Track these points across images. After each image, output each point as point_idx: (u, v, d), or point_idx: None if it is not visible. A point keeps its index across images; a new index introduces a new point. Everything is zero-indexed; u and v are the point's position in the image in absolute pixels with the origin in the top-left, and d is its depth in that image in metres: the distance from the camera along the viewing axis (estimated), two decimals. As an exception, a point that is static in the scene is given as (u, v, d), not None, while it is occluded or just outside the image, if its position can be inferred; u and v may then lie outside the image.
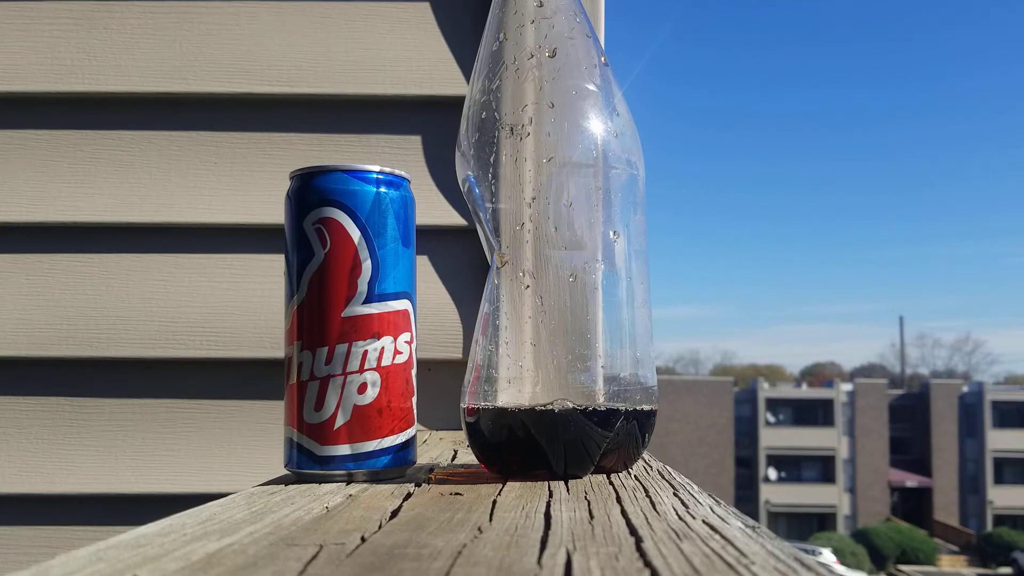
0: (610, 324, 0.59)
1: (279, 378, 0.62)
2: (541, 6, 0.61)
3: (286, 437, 0.59)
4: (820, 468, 29.56)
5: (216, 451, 1.08)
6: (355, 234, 0.58)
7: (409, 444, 0.60)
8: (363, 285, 0.58)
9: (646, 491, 0.51)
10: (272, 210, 1.08)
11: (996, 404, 29.57)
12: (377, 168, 0.60)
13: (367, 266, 0.58)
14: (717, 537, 0.36)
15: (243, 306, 1.08)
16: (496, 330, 0.60)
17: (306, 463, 0.58)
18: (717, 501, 0.48)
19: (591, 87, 0.60)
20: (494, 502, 0.47)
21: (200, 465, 1.07)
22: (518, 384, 0.58)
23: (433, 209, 1.08)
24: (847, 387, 31.16)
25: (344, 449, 0.57)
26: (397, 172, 0.61)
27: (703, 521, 0.40)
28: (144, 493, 1.07)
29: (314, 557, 0.33)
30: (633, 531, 0.38)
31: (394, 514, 0.43)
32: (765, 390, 31.18)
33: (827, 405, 29.94)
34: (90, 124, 1.10)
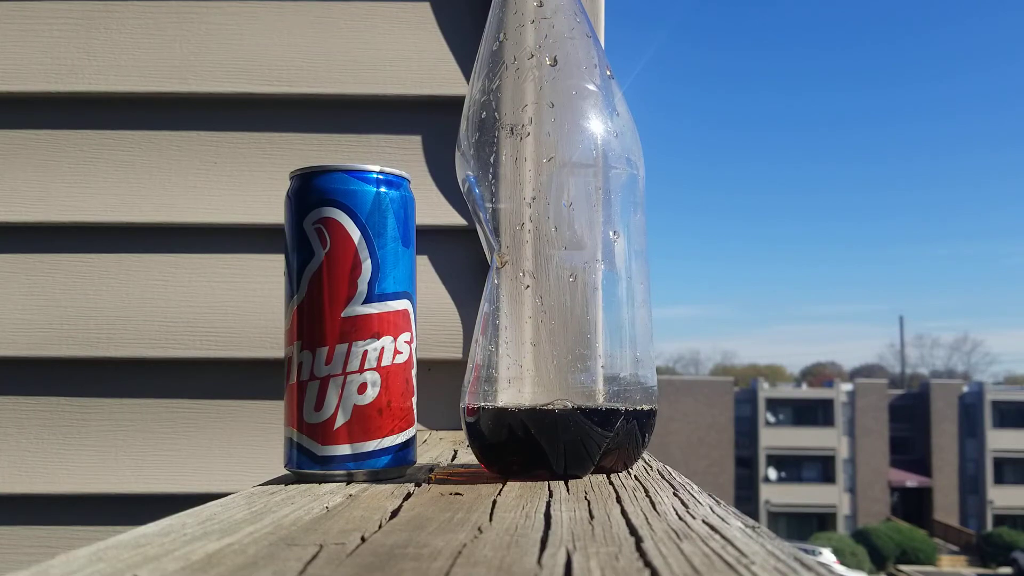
0: (610, 324, 0.59)
1: (279, 378, 0.62)
2: (541, 6, 0.61)
3: (286, 437, 0.59)
4: (820, 468, 29.56)
5: (216, 451, 1.08)
6: (355, 234, 0.58)
7: (409, 444, 0.60)
8: (363, 285, 0.58)
9: (646, 491, 0.51)
10: (272, 210, 1.08)
11: (996, 404, 29.56)
12: (377, 168, 0.60)
13: (367, 266, 0.58)
14: (717, 537, 0.36)
15: (243, 306, 1.08)
16: (496, 330, 0.60)
17: (306, 463, 0.58)
18: (717, 501, 0.48)
19: (591, 87, 0.60)
20: (494, 502, 0.47)
21: (200, 465, 1.07)
22: (518, 384, 0.58)
23: (433, 209, 1.08)
24: (847, 387, 31.16)
25: (344, 449, 0.57)
26: (397, 172, 0.61)
27: (703, 521, 0.40)
28: (144, 493, 1.07)
29: (314, 557, 0.33)
30: (633, 531, 0.38)
31: (394, 514, 0.43)
32: (765, 390, 31.19)
33: (827, 405, 29.94)
34: (90, 124, 1.10)
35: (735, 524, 0.40)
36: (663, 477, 0.58)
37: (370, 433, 0.57)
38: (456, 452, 0.78)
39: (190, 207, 1.08)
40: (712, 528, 0.38)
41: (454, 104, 1.08)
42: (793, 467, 29.82)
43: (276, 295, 1.07)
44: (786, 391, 32.74)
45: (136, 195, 1.08)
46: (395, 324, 0.59)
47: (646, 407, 0.59)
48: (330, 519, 0.42)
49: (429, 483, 0.55)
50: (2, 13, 1.10)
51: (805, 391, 32.43)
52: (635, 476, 0.59)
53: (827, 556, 19.67)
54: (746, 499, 29.34)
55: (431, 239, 1.07)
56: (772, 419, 30.31)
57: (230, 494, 0.51)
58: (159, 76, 1.09)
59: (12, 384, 1.08)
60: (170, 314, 1.08)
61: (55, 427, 1.08)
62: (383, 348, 0.58)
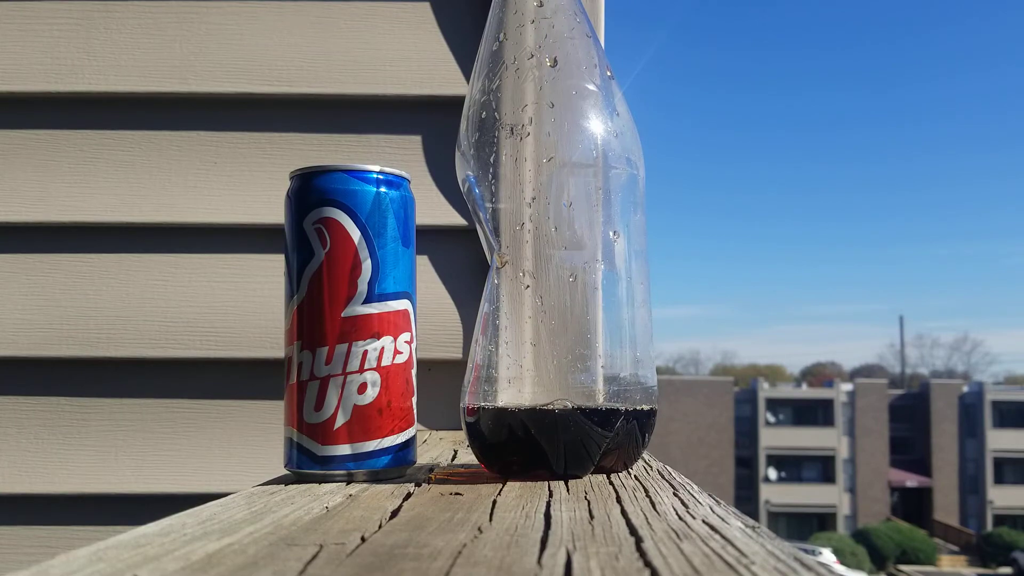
0: (610, 324, 0.59)
1: (279, 378, 0.62)
2: (541, 6, 0.61)
3: (286, 437, 0.59)
4: (820, 468, 29.56)
5: (216, 451, 1.08)
6: (355, 234, 0.58)
7: (409, 444, 0.60)
8: (363, 285, 0.58)
9: (646, 491, 0.51)
10: (272, 210, 1.08)
11: (996, 404, 29.56)
12: (377, 168, 0.60)
13: (367, 266, 0.58)
14: (717, 537, 0.36)
15: (243, 306, 1.08)
16: (496, 330, 0.60)
17: (306, 463, 0.58)
18: (717, 501, 0.48)
19: (591, 87, 0.60)
20: (494, 502, 0.47)
21: (200, 465, 1.07)
22: (518, 384, 0.58)
23: (433, 209, 1.08)
24: (847, 387, 31.16)
25: (344, 449, 0.57)
26: (397, 172, 0.61)
27: (703, 521, 0.40)
28: (144, 493, 1.07)
29: (314, 557, 0.33)
30: (633, 531, 0.38)
31: (394, 514, 0.43)
32: (765, 390, 31.18)
33: (827, 405, 29.94)
34: (90, 124, 1.10)
35: (735, 524, 0.40)
36: (663, 477, 0.58)
37: (370, 433, 0.57)
38: (456, 452, 0.78)
39: (190, 207, 1.08)
40: (712, 528, 0.38)
41: (454, 104, 1.08)
42: (793, 467, 29.82)
43: (276, 295, 1.07)
44: (786, 391, 32.74)
45: (136, 195, 1.08)
46: (395, 324, 0.59)
47: (646, 407, 0.59)
48: (330, 519, 0.42)
49: (429, 483, 0.55)
50: (2, 13, 1.10)
51: (805, 391, 32.43)
52: (635, 476, 0.59)
53: (827, 556, 19.66)
54: (746, 499, 29.34)
55: (431, 239, 1.07)
56: (772, 419, 30.31)
57: (230, 494, 0.51)
58: (159, 76, 1.09)
59: (12, 384, 1.08)
60: (170, 314, 1.08)
61: (55, 427, 1.08)
62: (383, 348, 0.58)
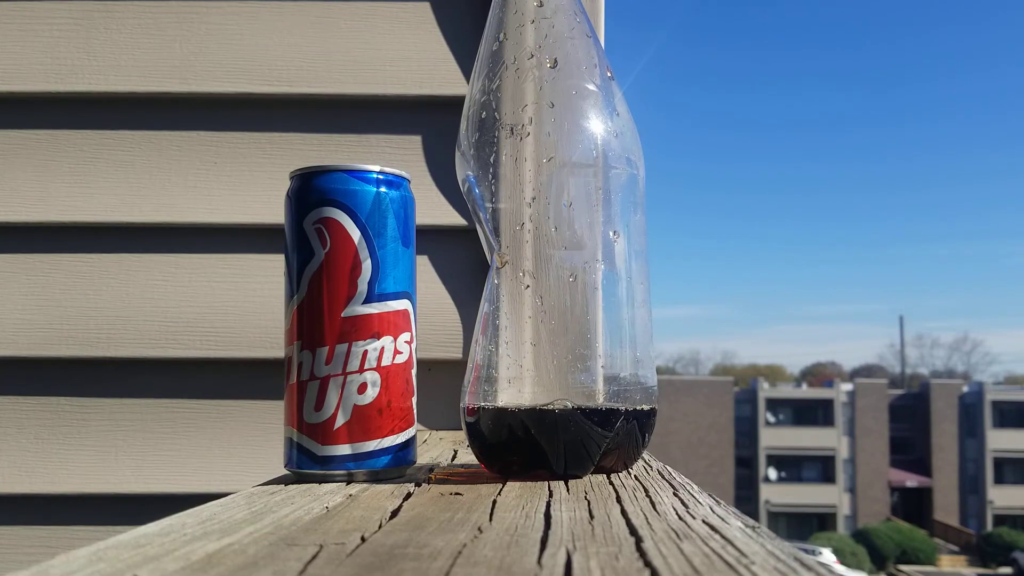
0: (610, 324, 0.59)
1: (279, 378, 0.62)
2: (541, 6, 0.61)
3: (286, 437, 0.59)
4: (820, 468, 29.56)
5: (216, 451, 1.08)
6: (355, 234, 0.58)
7: (409, 444, 0.60)
8: (363, 285, 0.58)
9: (646, 491, 0.51)
10: (272, 210, 1.08)
11: (996, 404, 29.56)
12: (377, 168, 0.60)
13: (367, 266, 0.58)
14: (717, 537, 0.36)
15: (243, 306, 1.08)
16: (496, 330, 0.60)
17: (306, 463, 0.58)
18: (717, 501, 0.48)
19: (591, 87, 0.60)
20: (494, 502, 0.47)
21: (200, 465, 1.07)
22: (518, 384, 0.58)
23: (433, 209, 1.08)
24: (847, 387, 31.17)
25: (344, 449, 0.57)
26: (397, 172, 0.61)
27: (703, 521, 0.40)
28: (144, 493, 1.07)
29: (314, 557, 0.33)
30: (633, 531, 0.38)
31: (394, 514, 0.43)
32: (765, 390, 31.18)
33: (827, 405, 29.94)
34: (90, 124, 1.10)
35: (735, 524, 0.40)
36: (663, 477, 0.58)
37: (370, 433, 0.58)
38: (456, 452, 0.78)
39: (190, 207, 1.08)
40: (712, 528, 0.38)
41: (454, 104, 1.08)
42: (793, 467, 29.83)
43: (276, 295, 1.07)
44: (786, 391, 32.74)
45: (136, 195, 1.08)
46: (395, 324, 0.59)
47: (646, 407, 0.59)
48: (330, 519, 0.42)
49: (429, 483, 0.55)
50: (2, 13, 1.10)
51: (805, 391, 32.43)
52: (635, 476, 0.59)
53: (827, 556, 19.66)
54: (746, 499, 29.34)
55: (431, 239, 1.07)
56: (772, 419, 30.31)
57: (230, 494, 0.51)
58: (159, 76, 1.09)
59: (12, 384, 1.08)
60: (170, 314, 1.08)
61: (55, 427, 1.08)
62: (383, 348, 0.58)
